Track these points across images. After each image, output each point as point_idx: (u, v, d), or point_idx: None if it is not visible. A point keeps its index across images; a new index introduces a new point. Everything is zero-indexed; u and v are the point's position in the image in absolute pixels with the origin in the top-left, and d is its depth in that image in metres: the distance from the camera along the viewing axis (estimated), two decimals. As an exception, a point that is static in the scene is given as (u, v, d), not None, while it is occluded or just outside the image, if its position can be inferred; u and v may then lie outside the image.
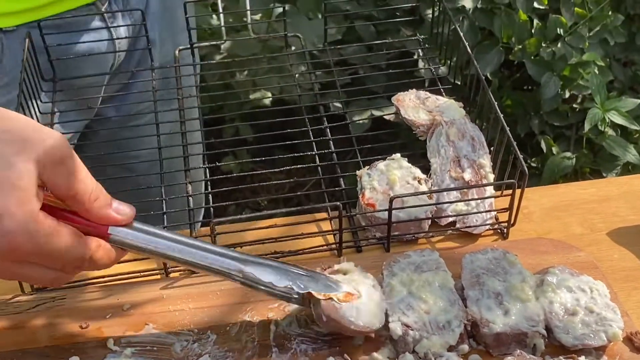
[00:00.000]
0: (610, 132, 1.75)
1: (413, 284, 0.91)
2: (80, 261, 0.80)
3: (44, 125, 0.79)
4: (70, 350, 0.86)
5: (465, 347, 0.87)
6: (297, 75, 1.39)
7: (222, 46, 1.84)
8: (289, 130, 1.19)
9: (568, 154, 1.83)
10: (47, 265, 0.79)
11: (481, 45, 1.87)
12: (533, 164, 1.96)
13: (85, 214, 0.81)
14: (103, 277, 0.96)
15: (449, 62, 1.27)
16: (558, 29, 1.89)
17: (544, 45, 1.89)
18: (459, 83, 1.23)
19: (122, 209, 0.83)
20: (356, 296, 0.87)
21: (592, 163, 1.84)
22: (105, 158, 1.21)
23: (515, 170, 0.98)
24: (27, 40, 1.12)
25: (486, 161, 1.05)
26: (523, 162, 0.97)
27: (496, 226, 1.02)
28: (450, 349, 0.86)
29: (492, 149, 1.07)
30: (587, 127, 1.66)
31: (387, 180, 1.03)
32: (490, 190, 1.03)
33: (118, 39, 1.25)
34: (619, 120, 1.69)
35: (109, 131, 1.32)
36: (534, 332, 0.87)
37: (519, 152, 0.99)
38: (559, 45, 1.84)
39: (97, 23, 1.23)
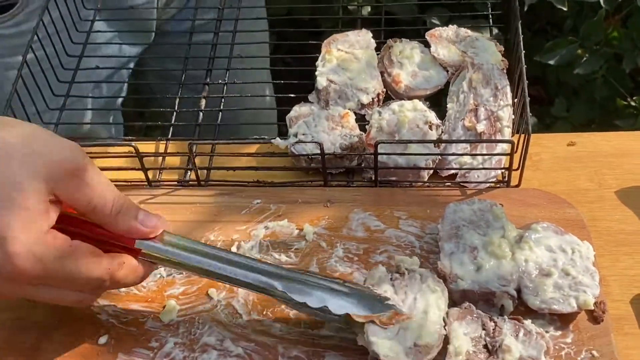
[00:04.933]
0: None
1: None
2: (100, 281, 0.75)
3: (53, 134, 0.75)
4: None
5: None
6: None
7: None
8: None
9: (671, 95, 1.69)
10: (64, 287, 0.74)
11: (591, -30, 1.73)
12: (633, 103, 1.83)
13: (110, 227, 0.76)
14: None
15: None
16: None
17: (664, -26, 1.72)
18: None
19: (148, 221, 0.78)
20: (405, 317, 0.79)
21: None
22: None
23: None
24: None
25: (505, 114, 0.99)
26: (529, 122, 0.91)
27: (498, 185, 0.97)
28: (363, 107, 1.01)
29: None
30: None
31: (397, 121, 0.99)
32: (501, 147, 0.97)
33: None
34: None
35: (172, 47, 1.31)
36: (502, 293, 0.84)
37: (529, 110, 0.91)
38: (674, -25, 1.67)
39: None
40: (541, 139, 1.02)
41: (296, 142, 0.97)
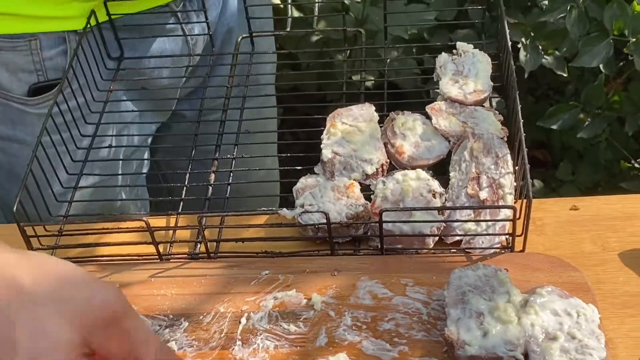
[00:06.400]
0: None
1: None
2: None
3: (86, 272, 0.67)
4: (54, 324, 0.92)
5: None
6: (388, 60, 1.38)
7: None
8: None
9: (675, 156, 1.71)
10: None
11: (589, 37, 1.77)
12: (637, 165, 1.85)
13: None
14: (103, 256, 1.01)
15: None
16: (679, 22, 1.75)
17: (662, 39, 1.76)
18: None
19: None
20: None
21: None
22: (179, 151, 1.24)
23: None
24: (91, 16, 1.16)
25: (507, 181, 1.01)
26: (530, 188, 0.93)
27: (503, 251, 0.98)
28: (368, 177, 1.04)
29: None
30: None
31: (401, 190, 1.01)
32: (505, 213, 0.99)
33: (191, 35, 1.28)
34: None
35: (184, 125, 1.36)
36: (509, 357, 0.85)
37: (529, 176, 0.94)
38: (673, 40, 1.71)
39: (171, 26, 1.26)
40: (544, 203, 1.04)
41: (303, 212, 0.99)
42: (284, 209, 1.00)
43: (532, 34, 1.81)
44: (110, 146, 1.18)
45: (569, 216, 1.02)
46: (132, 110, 1.25)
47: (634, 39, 1.71)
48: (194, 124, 1.19)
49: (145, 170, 1.33)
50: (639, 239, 0.98)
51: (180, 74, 1.29)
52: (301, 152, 1.12)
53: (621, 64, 1.98)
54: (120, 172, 1.23)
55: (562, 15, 1.75)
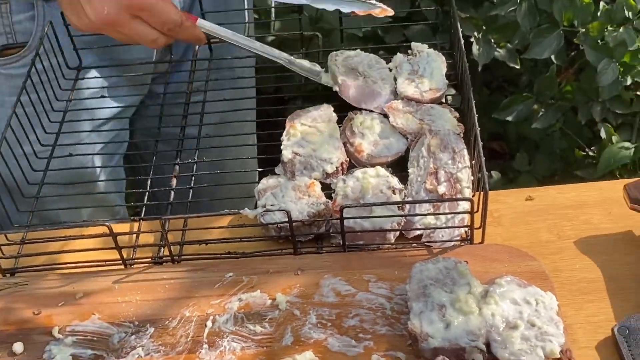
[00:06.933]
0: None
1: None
2: (175, 24, 1.06)
3: None
4: (18, 336, 0.93)
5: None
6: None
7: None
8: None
9: (627, 144, 1.74)
10: (152, 23, 1.05)
11: (539, 29, 1.80)
12: (591, 153, 1.88)
13: None
14: (67, 263, 1.01)
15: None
16: (626, 12, 1.79)
17: (610, 29, 1.79)
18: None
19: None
20: (390, 11, 1.16)
21: (654, 155, 1.75)
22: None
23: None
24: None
25: (464, 175, 1.03)
26: (486, 180, 0.95)
27: (463, 243, 1.00)
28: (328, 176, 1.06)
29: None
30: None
31: (361, 187, 1.03)
32: (463, 206, 1.01)
33: None
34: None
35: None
36: (471, 347, 0.86)
37: (485, 170, 0.96)
38: (620, 30, 1.74)
39: None
40: (500, 195, 1.07)
41: (264, 212, 1.00)
42: (246, 208, 1.00)
43: (484, 28, 1.84)
44: (70, 155, 1.18)
45: (525, 207, 1.05)
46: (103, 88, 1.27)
47: (583, 29, 1.75)
48: (153, 130, 1.20)
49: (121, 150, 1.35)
50: (593, 226, 1.01)
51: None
52: (262, 153, 1.13)
53: (572, 54, 2.01)
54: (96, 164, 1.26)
55: (513, 8, 1.78)
